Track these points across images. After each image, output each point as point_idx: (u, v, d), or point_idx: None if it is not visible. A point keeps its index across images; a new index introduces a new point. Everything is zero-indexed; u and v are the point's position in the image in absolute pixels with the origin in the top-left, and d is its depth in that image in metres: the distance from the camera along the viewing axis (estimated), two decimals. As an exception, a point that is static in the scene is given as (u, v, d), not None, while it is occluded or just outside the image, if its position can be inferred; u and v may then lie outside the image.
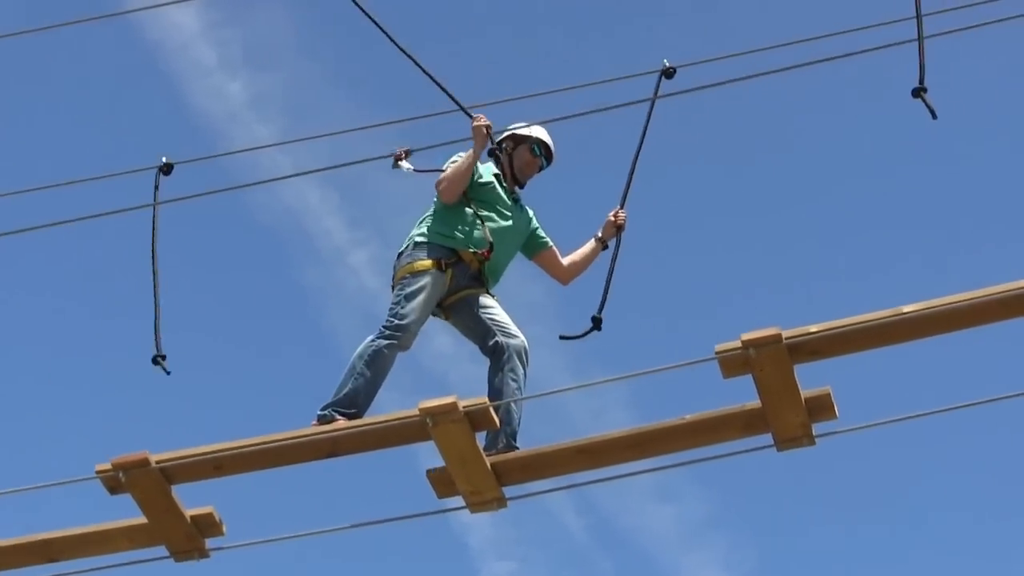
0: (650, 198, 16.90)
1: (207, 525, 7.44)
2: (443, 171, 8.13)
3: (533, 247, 8.38)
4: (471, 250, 8.02)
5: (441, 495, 7.28)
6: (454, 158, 8.20)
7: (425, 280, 7.91)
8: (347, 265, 19.02)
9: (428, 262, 7.95)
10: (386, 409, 7.52)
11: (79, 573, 7.58)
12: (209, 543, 7.48)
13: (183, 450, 7.33)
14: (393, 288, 7.99)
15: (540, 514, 17.65)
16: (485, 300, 8.03)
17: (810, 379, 6.92)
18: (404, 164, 8.21)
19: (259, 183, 8.68)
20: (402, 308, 7.85)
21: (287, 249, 19.80)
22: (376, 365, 7.76)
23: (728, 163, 19.83)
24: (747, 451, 7.11)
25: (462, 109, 8.19)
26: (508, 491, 7.28)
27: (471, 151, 8.09)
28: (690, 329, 18.15)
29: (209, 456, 7.29)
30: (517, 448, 7.59)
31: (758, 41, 7.98)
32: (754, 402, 6.97)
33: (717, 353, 6.79)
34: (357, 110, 18.60)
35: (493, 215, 8.11)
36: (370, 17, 8.28)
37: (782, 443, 7.00)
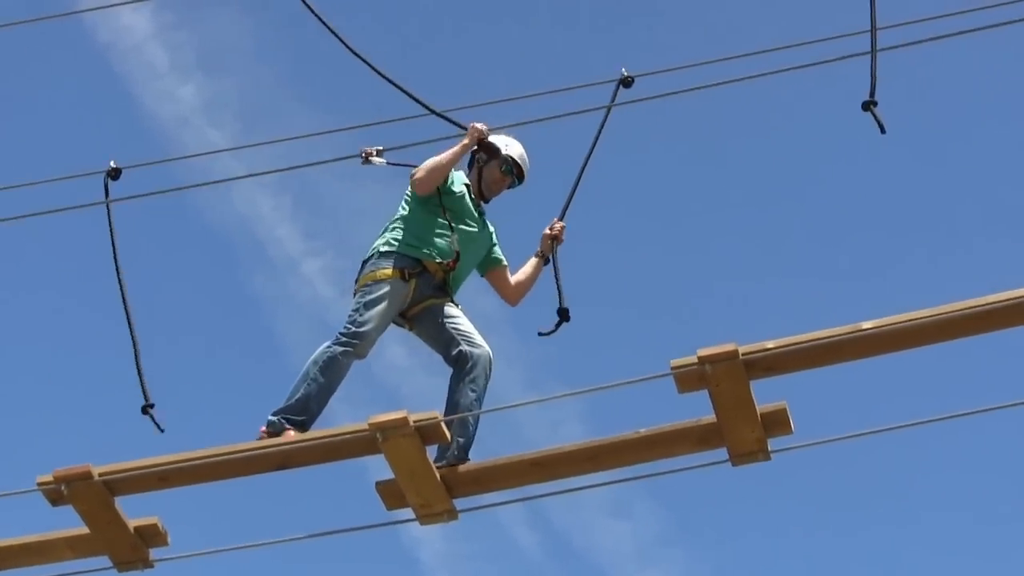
0: (606, 212, 16.92)
1: (151, 535, 7.39)
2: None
3: (488, 263, 8.30)
4: (437, 260, 7.94)
5: (390, 507, 7.24)
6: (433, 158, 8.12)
7: (386, 289, 7.83)
8: (300, 274, 18.89)
9: (391, 271, 7.87)
10: (338, 421, 7.51)
11: (20, 583, 7.50)
12: (153, 553, 7.43)
13: (127, 462, 7.27)
14: (354, 295, 7.91)
15: (493, 529, 17.58)
16: (450, 310, 7.95)
17: (769, 392, 6.91)
18: (376, 159, 8.11)
19: (209, 183, 8.58)
20: (360, 316, 7.77)
21: (239, 258, 19.62)
22: (330, 372, 7.67)
23: (683, 178, 19.80)
24: (702, 466, 7.09)
25: (426, 107, 8.12)
26: (459, 503, 7.23)
27: (455, 147, 8.02)
28: (647, 343, 18.07)
29: (154, 469, 7.23)
30: (468, 460, 7.51)
31: (717, 51, 7.99)
32: (709, 416, 6.93)
33: (673, 369, 6.75)
34: (314, 117, 18.45)
35: (461, 226, 8.04)
36: (322, 20, 8.23)
37: (737, 458, 6.97)
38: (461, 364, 7.81)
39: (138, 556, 7.37)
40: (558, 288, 8.15)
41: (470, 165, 8.28)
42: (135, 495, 7.30)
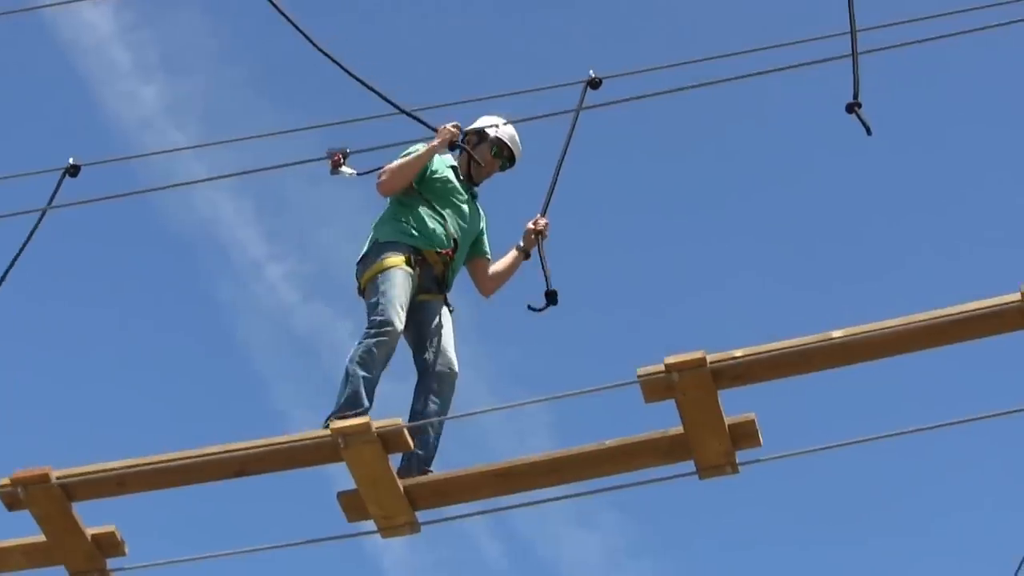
0: (574, 216, 16.79)
1: (109, 544, 7.27)
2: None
3: (473, 252, 8.17)
4: (437, 251, 7.84)
5: (352, 519, 7.12)
6: (409, 151, 7.99)
7: (398, 273, 7.70)
8: (263, 279, 18.71)
9: (400, 258, 7.75)
10: (305, 426, 7.37)
11: (-29, 592, 7.41)
12: (110, 563, 7.31)
13: (85, 466, 7.16)
14: (363, 293, 7.79)
15: (457, 538, 17.47)
16: (443, 316, 7.85)
17: (740, 402, 6.83)
18: (345, 169, 7.96)
19: (169, 187, 8.47)
20: (382, 302, 7.62)
21: (200, 261, 19.39)
22: (371, 364, 7.52)
23: (652, 183, 19.66)
24: (668, 478, 6.99)
25: (395, 106, 8.00)
26: (422, 515, 7.12)
27: (426, 146, 7.91)
28: (620, 352, 17.94)
29: (112, 473, 7.12)
30: (430, 472, 7.39)
31: (693, 52, 7.90)
32: (677, 428, 6.83)
33: (639, 377, 6.66)
34: (280, 118, 18.19)
35: (450, 210, 7.93)
36: (287, 18, 8.14)
37: (704, 471, 6.88)
38: (426, 375, 7.73)
39: (95, 566, 7.26)
40: (545, 275, 7.91)
41: (458, 147, 8.13)
42: (93, 501, 7.18)
